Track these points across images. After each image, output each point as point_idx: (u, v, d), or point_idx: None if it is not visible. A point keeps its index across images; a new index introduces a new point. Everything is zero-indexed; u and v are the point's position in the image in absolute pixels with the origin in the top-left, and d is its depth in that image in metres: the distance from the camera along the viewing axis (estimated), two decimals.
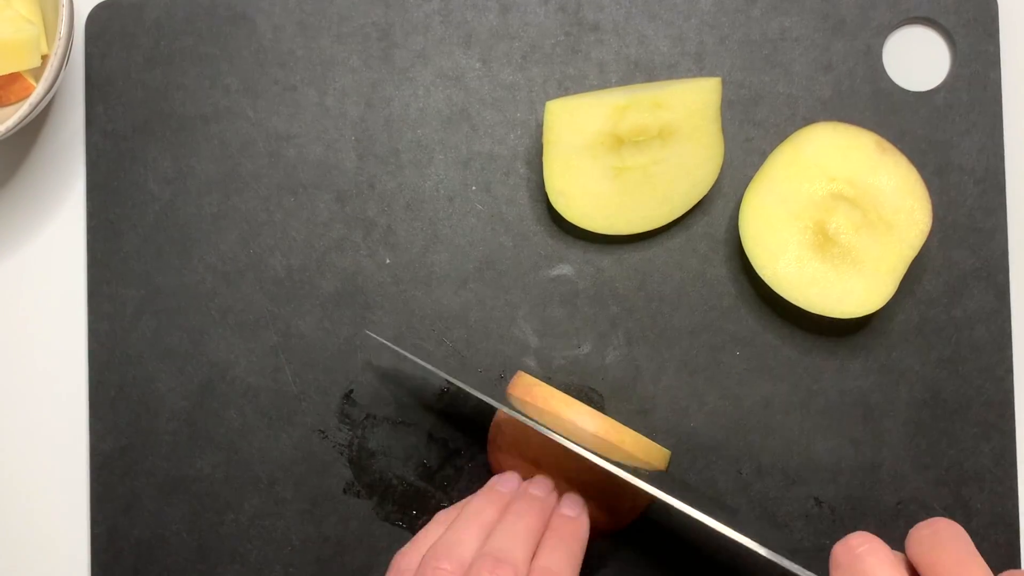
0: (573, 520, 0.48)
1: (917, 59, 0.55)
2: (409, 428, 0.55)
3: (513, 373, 0.54)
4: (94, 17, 0.56)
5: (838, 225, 0.52)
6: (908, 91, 0.55)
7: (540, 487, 0.49)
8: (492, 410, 0.54)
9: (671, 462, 0.53)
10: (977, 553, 0.39)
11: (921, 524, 0.42)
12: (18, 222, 0.57)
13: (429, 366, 0.50)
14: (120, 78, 0.56)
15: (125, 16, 0.56)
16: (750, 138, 0.55)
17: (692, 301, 0.54)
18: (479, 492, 0.49)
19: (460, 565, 0.44)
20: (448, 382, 0.54)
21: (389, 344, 0.52)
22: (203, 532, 0.55)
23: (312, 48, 0.56)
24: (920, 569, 0.39)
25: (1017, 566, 0.53)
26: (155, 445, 0.55)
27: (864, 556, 0.40)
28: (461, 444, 0.55)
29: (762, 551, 0.43)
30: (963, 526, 0.53)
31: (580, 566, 0.46)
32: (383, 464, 0.55)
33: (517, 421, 0.52)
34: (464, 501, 0.49)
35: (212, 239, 0.55)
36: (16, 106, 0.53)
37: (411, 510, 0.55)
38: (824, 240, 0.52)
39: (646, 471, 0.49)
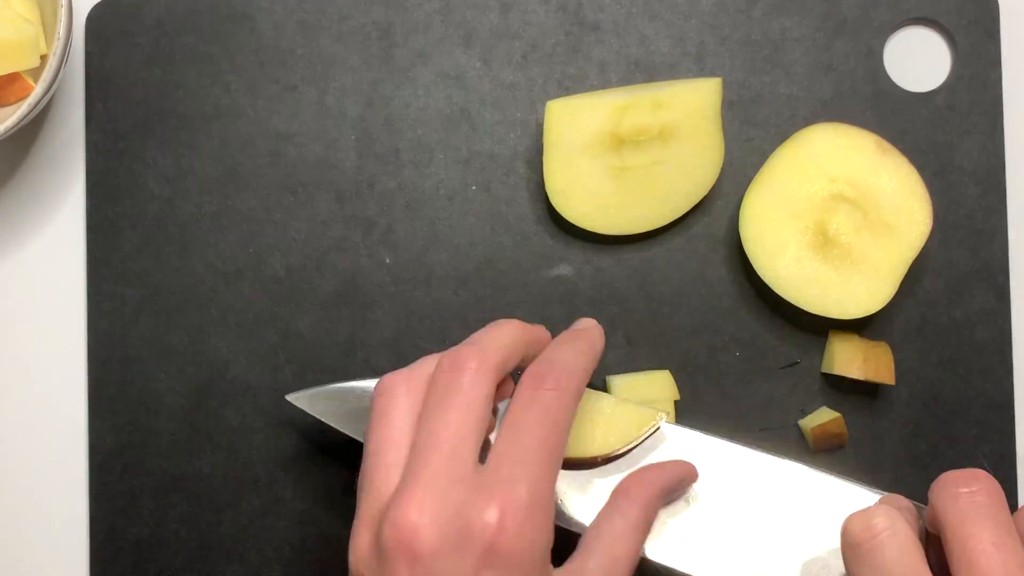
0: (587, 329, 0.46)
1: (918, 60, 0.55)
2: None
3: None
4: (94, 16, 0.56)
5: (838, 226, 0.52)
6: (909, 92, 0.55)
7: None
8: None
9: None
10: (1015, 531, 0.33)
11: (957, 478, 0.34)
12: (18, 222, 0.57)
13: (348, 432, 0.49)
14: (120, 77, 0.56)
15: (125, 15, 0.56)
16: (750, 138, 0.55)
17: (692, 301, 0.54)
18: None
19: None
20: None
21: (308, 411, 0.50)
22: (202, 531, 0.55)
23: (312, 47, 0.56)
24: (946, 540, 0.33)
25: None
26: (154, 444, 0.55)
27: (886, 542, 0.33)
28: None
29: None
30: None
31: (592, 368, 0.43)
32: None
33: None
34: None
35: (212, 238, 0.55)
36: (15, 106, 0.53)
37: None
38: (824, 241, 0.52)
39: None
